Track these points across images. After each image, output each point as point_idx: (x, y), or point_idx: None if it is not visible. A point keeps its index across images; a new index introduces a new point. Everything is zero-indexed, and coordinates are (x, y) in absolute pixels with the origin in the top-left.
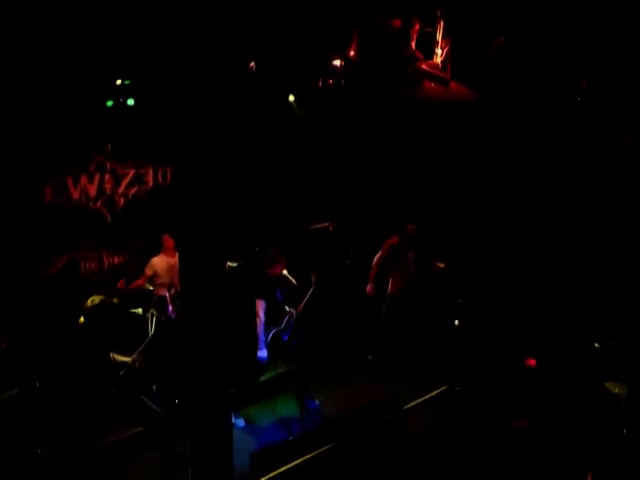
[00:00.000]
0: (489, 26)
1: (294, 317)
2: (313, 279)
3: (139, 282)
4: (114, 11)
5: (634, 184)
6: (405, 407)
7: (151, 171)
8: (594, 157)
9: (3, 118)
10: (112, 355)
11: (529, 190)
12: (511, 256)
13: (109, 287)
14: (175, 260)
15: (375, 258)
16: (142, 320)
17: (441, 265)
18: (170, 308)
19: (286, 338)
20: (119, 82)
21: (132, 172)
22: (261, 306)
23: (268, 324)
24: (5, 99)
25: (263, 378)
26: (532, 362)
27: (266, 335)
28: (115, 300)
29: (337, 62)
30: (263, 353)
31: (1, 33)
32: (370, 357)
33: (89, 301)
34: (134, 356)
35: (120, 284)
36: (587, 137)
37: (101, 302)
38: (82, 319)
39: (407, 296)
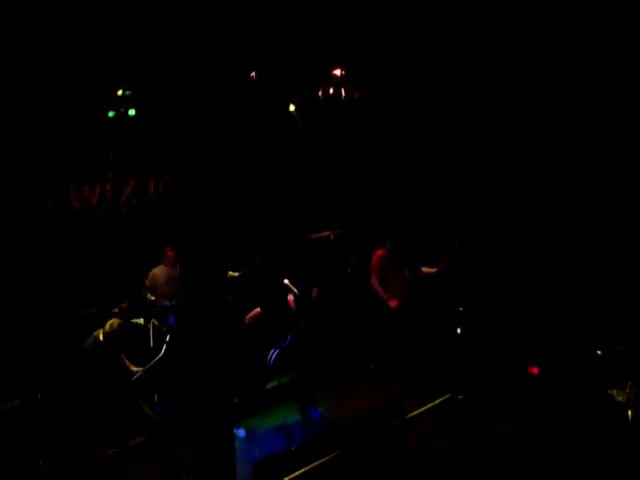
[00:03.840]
0: (488, 32)
1: (297, 334)
2: (315, 294)
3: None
4: (116, 21)
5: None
6: (408, 416)
7: (152, 181)
8: (598, 162)
9: (4, 126)
10: (124, 360)
11: (532, 195)
12: (513, 263)
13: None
14: (176, 271)
15: (372, 278)
16: (143, 330)
17: (431, 270)
18: (172, 318)
19: (291, 354)
20: (120, 93)
21: (133, 182)
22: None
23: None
24: (7, 106)
25: (266, 387)
26: (535, 370)
27: (270, 353)
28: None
29: (337, 71)
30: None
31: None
32: (372, 366)
33: (108, 325)
34: (141, 369)
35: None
36: (591, 142)
37: (119, 325)
38: (102, 337)
39: (407, 304)
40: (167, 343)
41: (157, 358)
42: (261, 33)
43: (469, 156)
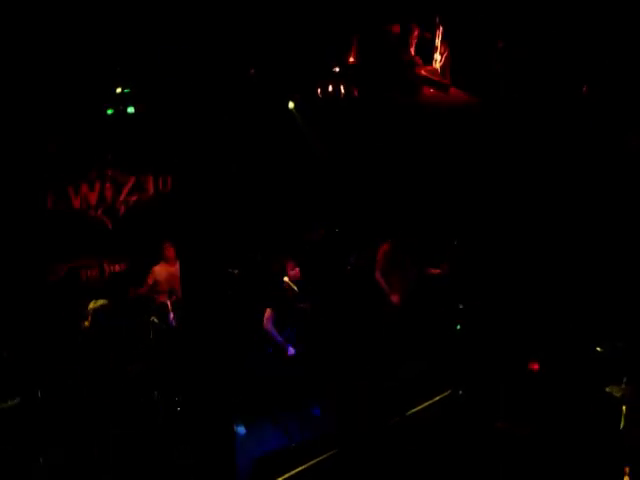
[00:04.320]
0: (488, 32)
1: (294, 329)
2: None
3: (142, 290)
4: (116, 19)
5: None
6: (407, 413)
7: (151, 179)
8: (598, 162)
9: (4, 125)
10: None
11: (531, 193)
12: (513, 260)
13: (110, 294)
14: (176, 268)
15: (376, 271)
16: (144, 328)
17: (435, 271)
18: (171, 316)
19: (290, 348)
20: (119, 90)
21: (132, 180)
22: (270, 318)
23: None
24: (7, 106)
25: (266, 385)
26: (535, 366)
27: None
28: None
29: (337, 68)
30: (291, 350)
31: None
32: (372, 363)
33: (91, 304)
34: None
35: (131, 292)
36: (591, 142)
37: (103, 305)
38: (87, 323)
39: (408, 302)
40: (156, 335)
41: (146, 351)
42: (260, 31)
43: (469, 156)
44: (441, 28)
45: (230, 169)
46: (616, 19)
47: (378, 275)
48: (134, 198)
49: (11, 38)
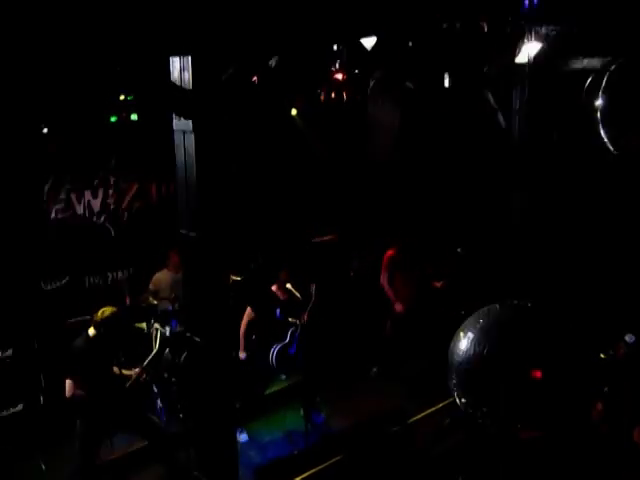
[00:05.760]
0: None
1: (298, 330)
2: (313, 290)
3: (143, 296)
4: (118, 26)
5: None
6: (410, 420)
7: (154, 185)
8: (598, 162)
9: (7, 130)
10: (115, 369)
11: (531, 196)
12: (514, 266)
13: (113, 301)
14: (179, 275)
15: (381, 277)
16: (146, 334)
17: (438, 284)
18: (174, 322)
19: (293, 352)
20: (122, 98)
21: (136, 186)
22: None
23: (271, 339)
24: (9, 111)
25: (268, 391)
26: (537, 374)
27: (271, 351)
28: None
29: (339, 75)
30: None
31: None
32: (375, 370)
33: (99, 312)
34: (138, 370)
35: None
36: (591, 142)
37: (112, 314)
38: (92, 330)
39: (411, 308)
40: (161, 342)
41: (150, 357)
42: (262, 36)
43: (469, 157)
44: None
45: (230, 170)
46: (616, 19)
47: (383, 280)
48: (137, 205)
49: (15, 43)
